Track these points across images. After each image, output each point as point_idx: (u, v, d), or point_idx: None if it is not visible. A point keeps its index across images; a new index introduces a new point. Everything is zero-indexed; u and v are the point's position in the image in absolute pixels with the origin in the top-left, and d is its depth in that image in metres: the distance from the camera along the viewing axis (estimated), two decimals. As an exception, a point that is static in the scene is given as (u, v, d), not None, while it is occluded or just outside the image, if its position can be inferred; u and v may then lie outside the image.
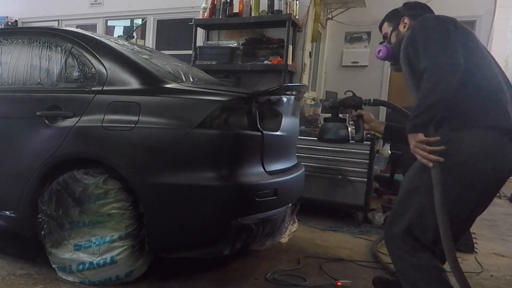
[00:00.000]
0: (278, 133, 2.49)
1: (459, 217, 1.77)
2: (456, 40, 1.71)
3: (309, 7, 4.88)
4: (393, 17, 2.11)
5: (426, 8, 2.07)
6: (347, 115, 2.48)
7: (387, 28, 2.14)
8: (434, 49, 1.69)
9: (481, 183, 1.73)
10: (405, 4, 2.10)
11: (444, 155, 1.67)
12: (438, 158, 1.67)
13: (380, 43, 2.16)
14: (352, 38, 6.23)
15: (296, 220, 3.08)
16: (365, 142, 2.79)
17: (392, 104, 2.65)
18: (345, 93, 2.78)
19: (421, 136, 1.70)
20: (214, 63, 4.87)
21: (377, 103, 2.66)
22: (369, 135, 3.62)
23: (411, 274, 1.81)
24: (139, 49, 2.79)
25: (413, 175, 1.84)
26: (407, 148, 1.83)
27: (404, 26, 2.05)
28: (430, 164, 1.68)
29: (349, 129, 2.44)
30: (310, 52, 5.18)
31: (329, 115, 2.47)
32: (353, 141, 2.43)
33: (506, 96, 1.75)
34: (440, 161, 1.67)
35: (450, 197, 1.69)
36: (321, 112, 2.28)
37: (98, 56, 2.44)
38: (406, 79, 1.89)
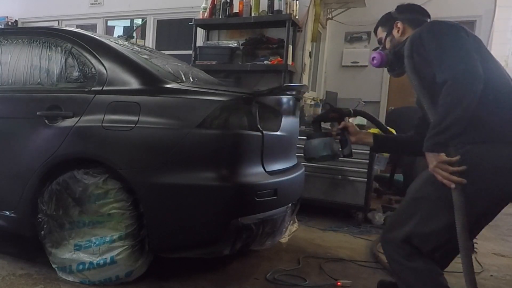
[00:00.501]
0: (278, 133, 2.50)
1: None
2: (471, 49, 1.61)
3: (309, 7, 4.88)
4: (387, 21, 2.00)
5: (421, 11, 1.97)
6: (330, 129, 2.30)
7: (381, 33, 2.04)
8: (451, 61, 1.58)
9: (494, 204, 1.67)
10: (398, 7, 1.99)
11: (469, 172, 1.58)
12: (462, 180, 1.57)
13: (374, 50, 2.06)
14: (352, 38, 6.23)
15: (296, 220, 3.08)
16: (371, 133, 2.62)
17: (369, 114, 2.57)
18: (322, 107, 2.67)
19: (443, 156, 1.59)
20: (214, 63, 4.87)
21: (357, 113, 2.57)
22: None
23: (407, 277, 1.77)
24: (139, 49, 2.79)
25: (421, 185, 1.77)
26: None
27: (398, 31, 1.94)
28: (453, 186, 1.58)
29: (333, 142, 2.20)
30: (310, 52, 5.18)
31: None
32: (342, 157, 2.21)
33: None
34: (463, 183, 1.57)
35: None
36: (306, 122, 2.14)
37: (98, 56, 2.43)
38: (414, 86, 1.76)
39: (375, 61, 2.01)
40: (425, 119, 1.88)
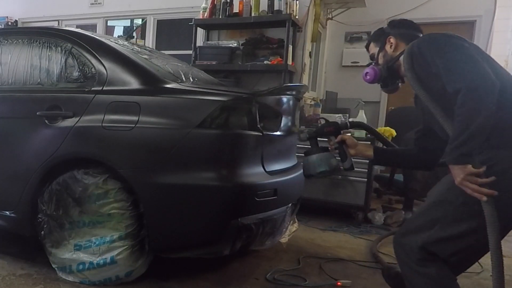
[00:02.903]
0: (278, 133, 2.50)
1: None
2: (477, 57, 1.57)
3: (309, 7, 4.88)
4: (379, 36, 1.96)
5: (413, 26, 1.93)
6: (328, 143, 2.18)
7: (373, 48, 1.99)
8: (461, 70, 1.53)
9: None
10: (390, 23, 1.97)
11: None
12: (493, 192, 1.48)
13: (367, 65, 2.00)
14: (352, 38, 6.23)
15: (296, 220, 3.08)
16: (365, 143, 2.66)
17: (367, 125, 2.57)
18: (319, 122, 2.59)
19: (470, 168, 1.50)
20: (214, 63, 4.87)
21: (353, 125, 2.55)
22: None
23: (418, 282, 1.70)
24: (139, 49, 2.79)
25: (444, 189, 1.69)
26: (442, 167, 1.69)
27: (391, 46, 1.91)
28: (484, 198, 1.49)
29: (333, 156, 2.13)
30: (310, 52, 5.18)
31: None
32: (343, 170, 2.14)
33: None
34: (494, 195, 1.48)
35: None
36: (301, 140, 2.14)
37: (98, 56, 2.44)
38: (422, 97, 1.68)
39: (368, 77, 1.97)
40: (425, 132, 1.87)
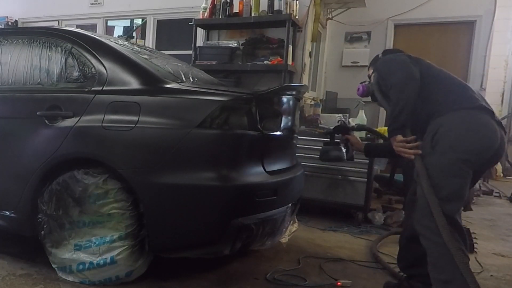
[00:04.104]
0: (278, 133, 2.50)
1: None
2: (410, 63, 2.17)
3: (309, 7, 4.89)
4: (374, 62, 2.49)
5: (402, 54, 2.37)
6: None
7: (370, 70, 2.52)
8: (394, 72, 2.17)
9: (474, 155, 1.99)
10: (384, 52, 2.50)
11: (438, 138, 2.03)
12: (417, 151, 2.08)
13: (361, 83, 2.55)
14: (352, 38, 6.24)
15: (296, 220, 3.08)
16: (365, 143, 3.18)
17: (369, 127, 3.77)
18: (338, 122, 3.84)
19: (399, 137, 2.12)
20: (214, 63, 4.87)
21: (360, 128, 3.64)
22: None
23: (434, 252, 1.98)
24: (139, 49, 2.79)
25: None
26: None
27: None
28: (412, 157, 2.09)
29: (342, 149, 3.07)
30: (310, 52, 5.18)
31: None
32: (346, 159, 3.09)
33: (468, 88, 2.18)
34: (419, 153, 2.07)
35: (449, 173, 1.98)
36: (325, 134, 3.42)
37: (98, 56, 2.44)
38: (381, 104, 2.35)
39: (359, 91, 2.55)
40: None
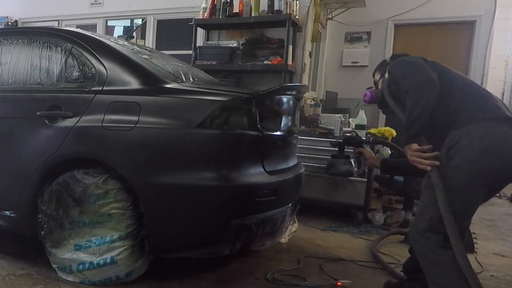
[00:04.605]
0: (278, 133, 2.50)
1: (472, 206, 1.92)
2: (427, 66, 1.99)
3: (309, 7, 4.89)
4: (382, 66, 2.33)
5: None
6: (352, 151, 2.94)
7: (377, 76, 2.37)
8: (410, 75, 1.98)
9: (492, 171, 1.84)
10: (392, 56, 2.34)
11: (455, 152, 1.87)
12: (434, 162, 1.87)
13: (368, 89, 2.39)
14: (352, 38, 6.23)
15: (296, 220, 3.08)
16: (381, 157, 3.07)
17: (387, 141, 3.28)
18: (350, 133, 3.52)
19: (414, 145, 1.91)
20: (214, 63, 4.87)
21: (375, 141, 3.25)
22: (369, 136, 3.78)
23: (433, 272, 1.89)
24: (139, 49, 2.79)
25: (427, 174, 1.96)
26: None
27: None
28: (428, 168, 1.88)
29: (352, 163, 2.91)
30: (310, 52, 5.18)
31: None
32: (356, 174, 2.97)
33: (491, 96, 1.99)
34: (436, 165, 1.87)
35: (461, 190, 1.84)
36: (332, 145, 3.13)
37: (98, 56, 2.43)
38: (394, 110, 2.14)
39: (366, 97, 2.36)
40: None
